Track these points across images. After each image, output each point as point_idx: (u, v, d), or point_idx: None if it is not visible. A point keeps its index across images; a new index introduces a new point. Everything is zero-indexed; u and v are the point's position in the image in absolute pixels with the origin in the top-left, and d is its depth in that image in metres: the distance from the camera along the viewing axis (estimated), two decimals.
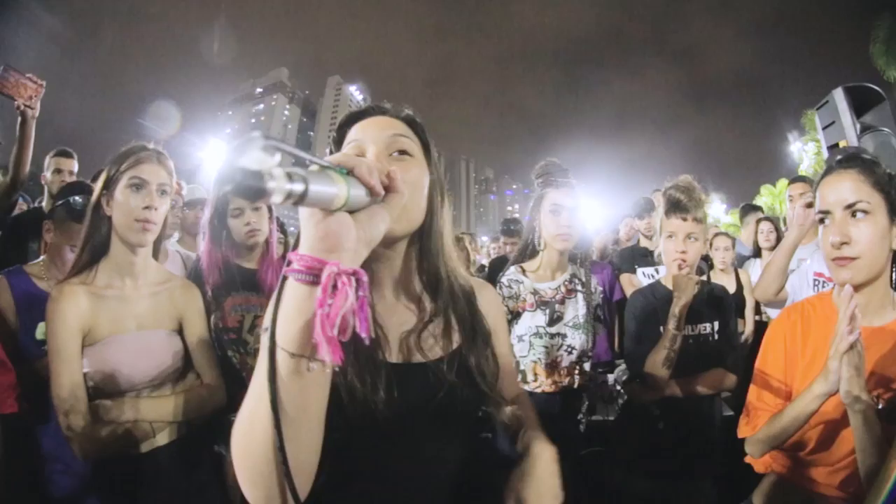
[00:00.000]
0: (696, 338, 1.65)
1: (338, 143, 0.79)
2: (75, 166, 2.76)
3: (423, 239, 0.79)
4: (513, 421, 0.86)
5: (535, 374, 1.74)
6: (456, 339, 0.81)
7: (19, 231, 2.32)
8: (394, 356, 0.76)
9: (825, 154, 3.60)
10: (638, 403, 1.66)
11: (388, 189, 0.55)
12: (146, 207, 1.23)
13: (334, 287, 0.46)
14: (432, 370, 0.77)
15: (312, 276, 0.47)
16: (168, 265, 1.96)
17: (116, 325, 1.24)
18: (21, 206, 2.92)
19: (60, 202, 1.71)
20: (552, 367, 1.74)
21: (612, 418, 1.70)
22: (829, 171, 1.09)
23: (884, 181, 1.03)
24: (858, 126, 3.21)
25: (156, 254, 1.41)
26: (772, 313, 2.59)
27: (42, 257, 1.66)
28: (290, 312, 0.49)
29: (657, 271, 3.09)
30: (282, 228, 3.06)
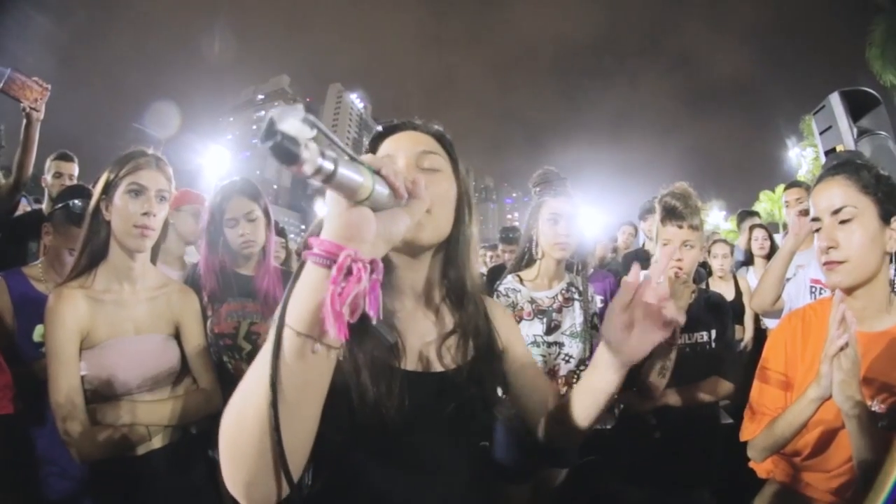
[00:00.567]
0: (693, 346, 1.64)
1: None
2: (76, 170, 2.76)
3: (449, 250, 0.82)
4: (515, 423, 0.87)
5: None
6: (471, 350, 0.83)
7: (20, 231, 2.33)
8: (410, 364, 0.77)
9: (823, 159, 3.61)
10: (634, 413, 1.65)
11: (411, 195, 0.57)
12: (145, 213, 1.24)
13: (349, 272, 0.48)
14: (446, 380, 0.78)
15: (330, 260, 0.49)
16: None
17: (114, 329, 1.25)
18: (24, 207, 2.93)
19: (60, 205, 1.72)
20: (550, 375, 1.74)
21: (608, 427, 1.70)
22: (819, 178, 1.13)
23: (871, 185, 1.05)
24: (855, 130, 3.22)
25: (154, 258, 1.42)
26: (769, 323, 2.58)
27: (40, 260, 1.67)
28: (303, 293, 0.50)
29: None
30: (282, 234, 3.07)
